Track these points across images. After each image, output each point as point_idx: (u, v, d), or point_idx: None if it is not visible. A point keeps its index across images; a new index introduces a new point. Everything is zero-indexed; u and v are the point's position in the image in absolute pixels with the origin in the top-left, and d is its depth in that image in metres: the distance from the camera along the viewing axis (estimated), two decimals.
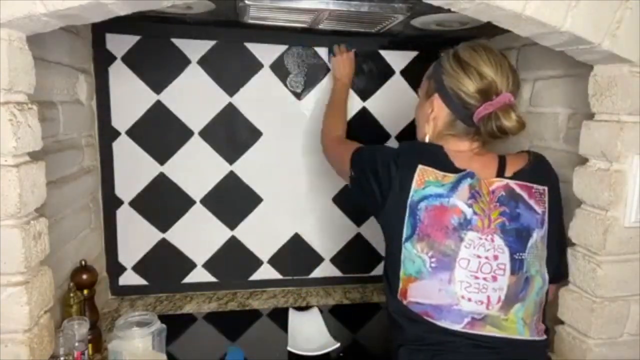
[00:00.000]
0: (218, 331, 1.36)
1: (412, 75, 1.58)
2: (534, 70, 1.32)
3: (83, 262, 1.18)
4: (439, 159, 0.93)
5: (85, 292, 1.17)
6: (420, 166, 0.91)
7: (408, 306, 0.91)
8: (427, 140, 1.00)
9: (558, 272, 1.01)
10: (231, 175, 1.53)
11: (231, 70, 1.47)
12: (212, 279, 1.58)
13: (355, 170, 1.03)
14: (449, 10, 0.87)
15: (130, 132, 1.44)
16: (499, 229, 0.89)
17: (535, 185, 0.93)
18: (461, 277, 0.87)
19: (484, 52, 0.93)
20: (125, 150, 1.44)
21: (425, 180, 0.90)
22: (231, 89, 1.49)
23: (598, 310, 0.98)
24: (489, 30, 1.34)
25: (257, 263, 1.61)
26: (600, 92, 0.95)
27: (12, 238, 0.76)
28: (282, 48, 1.50)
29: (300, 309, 1.44)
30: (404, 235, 0.90)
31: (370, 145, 1.05)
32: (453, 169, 0.91)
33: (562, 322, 1.07)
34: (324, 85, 1.54)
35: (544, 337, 0.93)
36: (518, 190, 0.92)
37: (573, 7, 0.84)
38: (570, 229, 1.03)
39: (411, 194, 0.89)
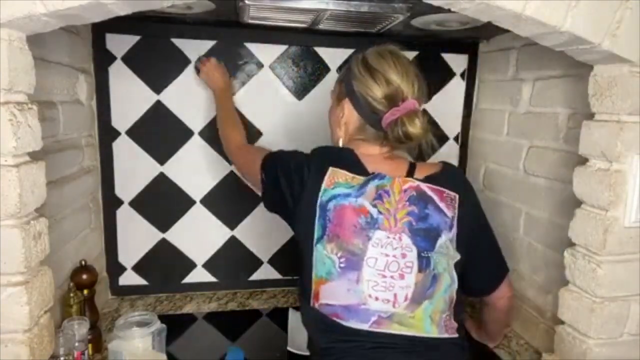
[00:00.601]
0: (218, 331, 1.36)
1: None
2: (534, 70, 1.32)
3: (83, 262, 1.19)
4: (350, 162, 0.95)
5: (85, 292, 1.17)
6: (331, 168, 0.93)
7: (320, 309, 0.91)
8: (340, 144, 1.02)
9: (483, 283, 1.05)
10: (231, 175, 1.53)
11: (231, 70, 1.47)
12: (212, 279, 1.58)
13: (267, 173, 1.02)
14: (449, 10, 0.87)
15: (130, 132, 1.44)
16: (406, 227, 0.90)
17: (446, 191, 0.94)
18: (369, 276, 0.88)
19: (391, 57, 0.95)
20: (125, 150, 1.44)
21: (334, 182, 0.92)
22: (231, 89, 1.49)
23: (598, 310, 0.98)
24: (489, 30, 1.34)
25: (257, 263, 1.61)
26: (600, 92, 0.95)
27: (12, 238, 0.76)
28: (282, 48, 1.50)
29: (300, 309, 1.44)
30: (315, 237, 0.91)
31: (283, 150, 1.05)
32: (363, 172, 0.94)
33: (562, 322, 1.07)
34: (324, 85, 1.54)
35: (455, 335, 0.92)
36: (429, 192, 0.93)
37: (573, 7, 0.84)
38: (570, 229, 1.03)
39: (320, 194, 0.91)
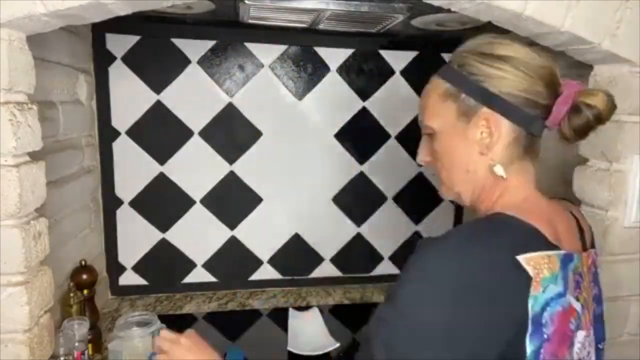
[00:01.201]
0: (218, 331, 1.36)
1: (412, 75, 1.58)
2: None
3: (83, 262, 1.19)
4: (523, 231, 0.62)
5: (85, 292, 1.17)
6: (520, 257, 0.58)
7: None
8: (500, 171, 0.67)
9: None
10: (231, 175, 1.53)
11: (231, 70, 1.47)
12: (212, 279, 1.58)
13: None
14: (449, 10, 0.87)
15: (130, 132, 1.44)
16: (592, 317, 0.68)
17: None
18: None
19: (510, 40, 0.71)
20: (125, 150, 1.44)
21: (541, 278, 0.59)
22: (231, 89, 1.49)
23: None
24: (489, 30, 1.34)
25: (257, 263, 1.61)
26: None
27: (12, 238, 0.76)
28: (282, 48, 1.50)
29: (300, 309, 1.44)
30: None
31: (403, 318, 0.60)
32: (547, 243, 0.62)
33: None
34: (324, 85, 1.54)
35: None
36: (598, 261, 0.73)
37: (573, 7, 0.84)
38: None
39: (530, 304, 0.58)
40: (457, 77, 0.69)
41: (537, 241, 0.61)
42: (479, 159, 0.68)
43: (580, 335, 0.64)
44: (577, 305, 0.63)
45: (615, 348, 1.00)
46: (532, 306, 0.58)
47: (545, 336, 0.59)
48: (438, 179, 0.75)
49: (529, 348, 0.57)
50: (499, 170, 0.67)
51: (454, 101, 0.69)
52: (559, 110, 0.67)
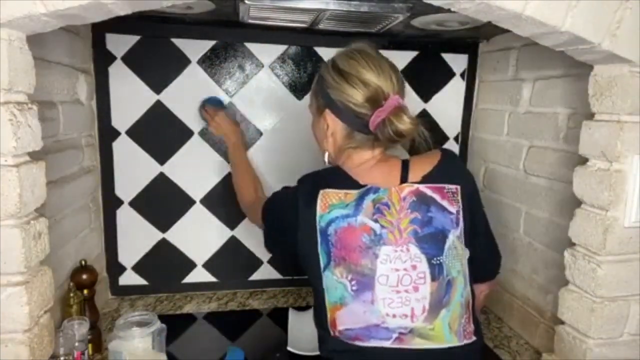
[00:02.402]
0: (218, 331, 1.36)
1: (412, 75, 1.58)
2: (534, 70, 1.32)
3: (83, 262, 1.19)
4: (339, 179, 0.92)
5: (85, 292, 1.17)
6: (321, 191, 0.89)
7: (339, 337, 0.89)
8: (326, 158, 1.01)
9: (486, 271, 1.03)
10: (231, 176, 1.53)
11: (231, 70, 1.47)
12: (212, 279, 1.58)
13: (266, 220, 1.03)
14: (449, 10, 0.87)
15: (130, 132, 1.44)
16: (412, 237, 0.87)
17: (447, 185, 0.91)
18: (383, 295, 0.86)
19: (362, 57, 0.91)
20: (125, 150, 1.44)
21: (329, 205, 0.88)
22: (231, 89, 1.49)
23: (598, 310, 0.98)
24: (489, 30, 1.35)
25: (257, 263, 1.61)
26: (600, 92, 0.95)
27: (12, 238, 0.76)
28: (282, 48, 1.50)
29: (300, 309, 1.44)
30: (322, 264, 0.88)
31: (275, 192, 1.04)
32: (355, 185, 0.90)
33: (562, 322, 1.07)
34: None
35: (473, 338, 0.91)
36: (430, 193, 0.90)
37: (573, 7, 0.84)
38: (570, 229, 1.03)
39: (317, 220, 0.88)
40: (320, 81, 0.98)
41: (344, 183, 0.90)
42: (325, 142, 1.00)
43: (386, 249, 0.86)
44: (374, 225, 0.86)
45: (615, 348, 1.01)
46: (319, 222, 0.88)
47: (331, 244, 0.87)
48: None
49: (320, 251, 0.88)
50: (325, 157, 1.02)
51: (315, 98, 1.02)
52: (374, 119, 0.88)
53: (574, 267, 1.02)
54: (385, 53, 1.57)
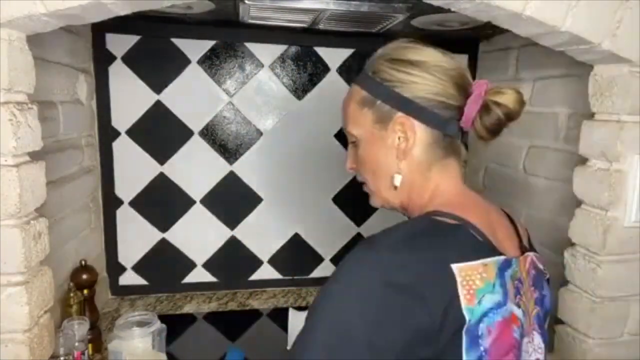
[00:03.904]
0: (218, 331, 1.36)
1: None
2: (533, 70, 1.32)
3: (83, 262, 1.19)
4: (456, 234, 0.60)
5: (85, 292, 1.17)
6: (454, 267, 0.56)
7: None
8: (397, 181, 0.70)
9: None
10: (231, 175, 1.53)
11: (231, 70, 1.47)
12: (212, 279, 1.58)
13: (331, 322, 0.58)
14: (449, 10, 0.87)
15: (130, 132, 1.44)
16: (536, 323, 0.67)
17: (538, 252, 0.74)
18: None
19: (418, 44, 0.73)
20: (125, 150, 1.44)
21: (475, 290, 0.56)
22: (231, 89, 1.49)
23: (598, 310, 0.98)
24: (488, 30, 1.35)
25: (257, 263, 1.61)
26: (600, 92, 0.95)
27: (12, 238, 0.76)
28: (282, 48, 1.50)
29: (300, 309, 1.44)
30: None
31: (345, 273, 0.59)
32: (483, 247, 0.61)
33: (562, 322, 1.07)
34: (324, 85, 1.54)
35: None
36: (539, 264, 0.71)
37: (573, 7, 0.84)
38: (570, 229, 1.03)
39: (466, 316, 0.55)
40: (372, 84, 0.71)
41: (476, 246, 0.60)
42: (399, 164, 0.70)
43: (524, 342, 0.63)
44: (519, 312, 0.62)
45: (615, 348, 1.00)
46: (468, 319, 0.56)
47: (482, 348, 0.57)
48: (367, 187, 0.77)
49: None
50: (397, 180, 0.70)
51: (369, 108, 0.71)
52: (470, 110, 0.68)
53: (574, 267, 1.02)
54: None
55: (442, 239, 0.60)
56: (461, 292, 0.55)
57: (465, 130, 0.71)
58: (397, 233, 0.60)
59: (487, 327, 0.57)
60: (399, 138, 0.69)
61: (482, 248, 0.60)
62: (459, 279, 0.56)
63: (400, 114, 0.68)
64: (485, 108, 0.68)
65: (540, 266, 0.71)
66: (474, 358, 0.56)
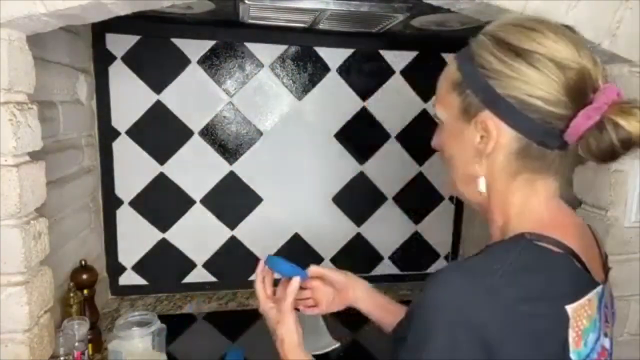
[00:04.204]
0: (218, 331, 1.36)
1: (412, 75, 1.58)
2: None
3: (83, 262, 1.19)
4: (566, 267, 0.53)
5: (85, 292, 1.17)
6: (568, 308, 0.50)
7: None
8: (482, 187, 0.60)
9: None
10: (231, 175, 1.53)
11: (231, 70, 1.47)
12: (212, 279, 1.58)
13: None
14: (449, 10, 0.87)
15: (130, 132, 1.44)
16: (607, 350, 0.59)
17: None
18: None
19: (544, 27, 0.56)
20: (125, 150, 1.44)
21: (582, 330, 0.51)
22: (231, 89, 1.49)
23: None
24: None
25: (256, 263, 1.60)
26: None
27: (12, 238, 0.76)
28: (282, 48, 1.49)
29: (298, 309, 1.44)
30: None
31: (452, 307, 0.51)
32: (583, 277, 0.54)
33: None
34: (324, 85, 1.54)
35: None
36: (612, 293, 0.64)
37: (573, 7, 0.84)
38: None
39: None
40: (468, 67, 0.60)
41: (581, 279, 0.53)
42: (477, 164, 0.60)
43: None
44: (607, 343, 0.56)
45: (615, 348, 1.00)
46: None
47: None
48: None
49: None
50: (482, 185, 0.60)
51: (459, 94, 0.60)
52: (579, 125, 0.52)
53: None
54: (385, 53, 1.58)
55: (554, 273, 0.52)
56: (571, 334, 0.50)
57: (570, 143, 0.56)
58: (505, 260, 0.52)
59: None
60: (481, 137, 0.58)
61: (585, 280, 0.54)
62: (571, 321, 0.50)
63: (487, 111, 0.57)
64: (598, 125, 0.52)
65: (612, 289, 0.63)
66: None
